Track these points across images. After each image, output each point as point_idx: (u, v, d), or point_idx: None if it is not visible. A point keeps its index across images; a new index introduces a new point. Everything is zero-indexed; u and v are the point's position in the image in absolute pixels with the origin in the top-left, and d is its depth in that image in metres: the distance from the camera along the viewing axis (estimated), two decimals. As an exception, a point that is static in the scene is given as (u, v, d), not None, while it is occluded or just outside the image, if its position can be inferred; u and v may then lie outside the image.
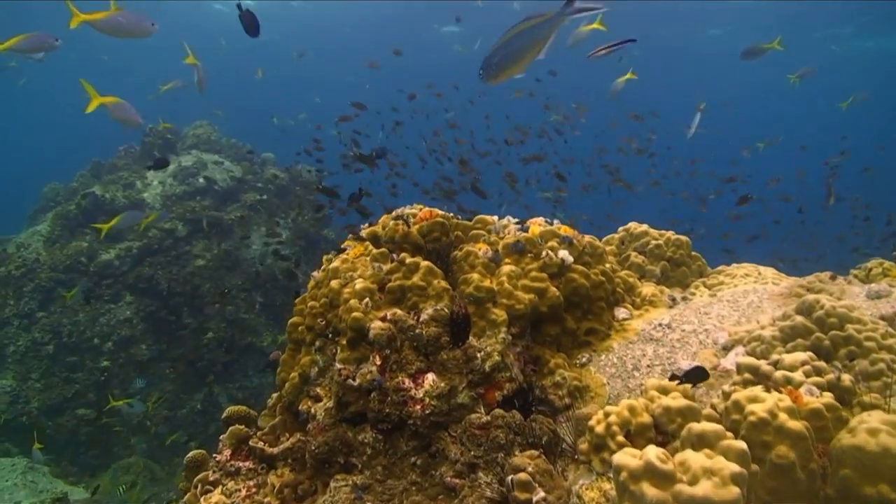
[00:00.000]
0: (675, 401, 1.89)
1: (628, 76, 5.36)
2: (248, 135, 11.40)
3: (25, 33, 3.46)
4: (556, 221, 3.15)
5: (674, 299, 3.26)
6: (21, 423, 6.96)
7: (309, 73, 26.84)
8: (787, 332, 2.26)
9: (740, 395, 1.74)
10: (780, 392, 1.75)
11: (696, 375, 2.07)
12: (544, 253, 2.85)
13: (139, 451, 7.39)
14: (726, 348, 2.48)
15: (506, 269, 2.77)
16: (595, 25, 4.67)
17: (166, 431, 7.58)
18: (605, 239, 3.91)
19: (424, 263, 2.69)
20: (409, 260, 2.71)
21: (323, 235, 9.36)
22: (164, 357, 7.80)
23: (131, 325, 7.69)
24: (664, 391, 1.98)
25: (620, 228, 4.02)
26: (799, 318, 2.25)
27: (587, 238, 3.15)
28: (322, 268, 3.03)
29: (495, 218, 3.20)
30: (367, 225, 3.21)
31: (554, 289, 2.77)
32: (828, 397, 1.77)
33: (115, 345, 7.56)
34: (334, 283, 2.72)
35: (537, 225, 3.07)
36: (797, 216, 8.93)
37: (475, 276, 2.71)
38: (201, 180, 8.78)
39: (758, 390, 1.75)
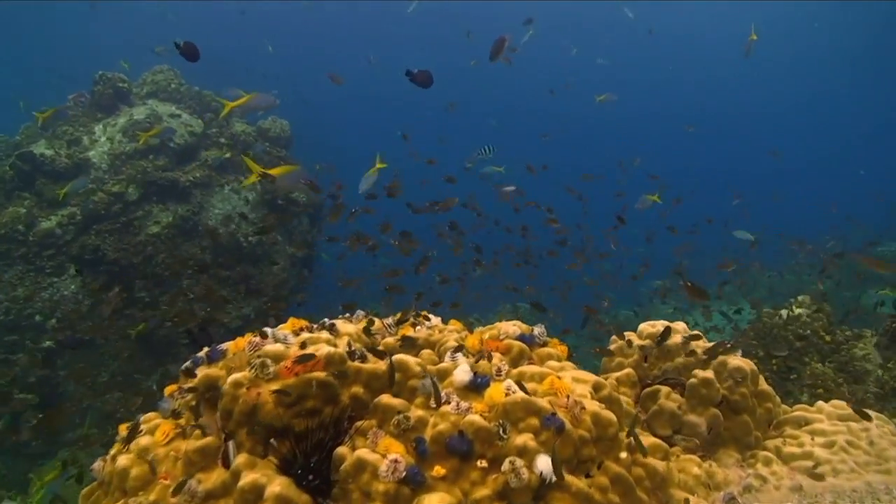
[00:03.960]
0: None
1: (655, 198, 5.35)
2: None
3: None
4: (537, 330, 2.32)
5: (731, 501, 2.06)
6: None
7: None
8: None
9: None
10: None
11: None
12: (508, 464, 1.67)
13: (91, 436, 6.83)
14: None
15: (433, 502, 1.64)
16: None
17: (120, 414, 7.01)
18: (614, 346, 2.79)
19: (274, 491, 1.67)
20: (245, 480, 1.70)
21: (292, 199, 8.55)
22: (114, 335, 7.14)
23: (77, 300, 6.99)
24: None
25: (643, 326, 2.84)
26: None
27: (593, 406, 1.92)
28: (110, 453, 2.09)
29: (421, 360, 2.13)
30: (205, 358, 2.17)
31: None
32: None
33: (59, 322, 6.88)
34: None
35: (499, 342, 2.21)
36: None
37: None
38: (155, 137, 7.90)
39: None
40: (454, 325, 2.59)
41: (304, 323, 2.35)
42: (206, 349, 2.19)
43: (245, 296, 7.89)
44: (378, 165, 5.15)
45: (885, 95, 29.79)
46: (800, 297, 4.54)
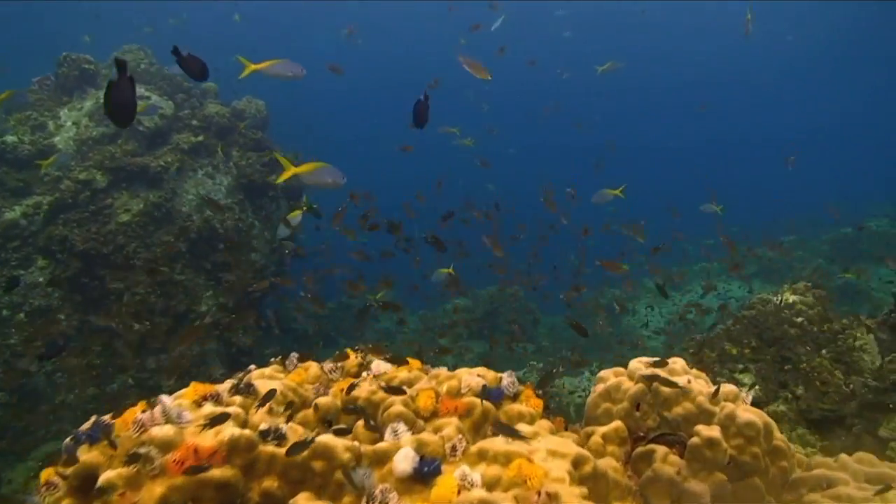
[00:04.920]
0: None
1: (618, 192, 5.12)
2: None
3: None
4: (507, 380, 1.98)
5: None
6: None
7: None
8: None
9: None
10: None
11: None
12: None
13: (63, 433, 6.64)
14: None
15: None
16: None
17: (94, 410, 6.82)
18: (600, 388, 2.40)
19: None
20: None
21: (269, 183, 8.27)
22: (86, 329, 6.91)
23: (46, 293, 6.75)
24: None
25: (635, 365, 2.42)
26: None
27: (572, 500, 1.57)
28: None
29: (355, 437, 1.82)
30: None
31: None
32: None
33: (27, 316, 6.64)
34: None
35: (458, 401, 1.87)
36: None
37: None
38: (122, 121, 7.58)
39: None
40: (408, 368, 2.23)
41: (210, 389, 1.96)
42: (91, 420, 1.77)
43: (222, 285, 7.66)
44: (303, 207, 5.05)
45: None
46: (794, 283, 4.36)
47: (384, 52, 27.66)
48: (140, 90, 8.17)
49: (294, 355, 2.33)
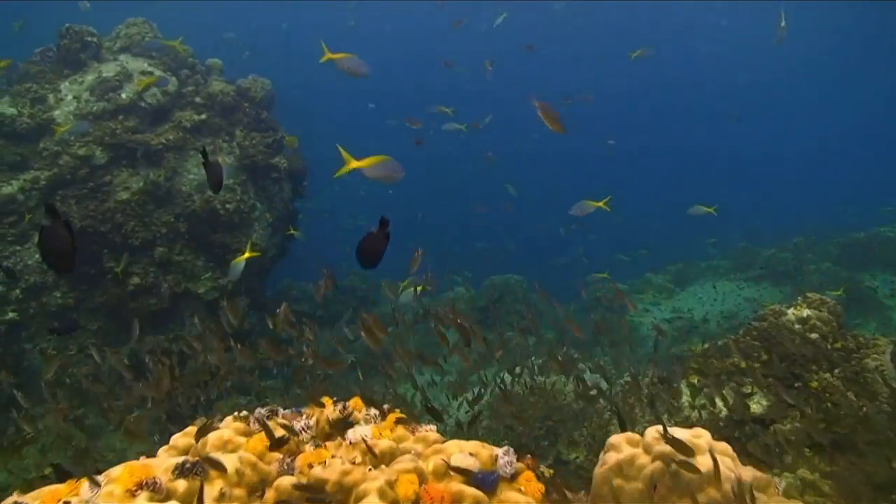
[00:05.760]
0: None
1: (601, 204, 4.96)
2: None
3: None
4: (503, 459, 1.69)
5: None
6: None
7: None
8: None
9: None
10: None
11: None
12: None
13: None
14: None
15: None
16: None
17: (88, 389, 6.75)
18: (609, 463, 2.06)
19: None
20: None
21: (273, 164, 8.11)
22: (81, 306, 6.82)
23: (41, 269, 6.64)
24: None
25: (652, 438, 2.07)
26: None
27: None
28: None
29: None
30: None
31: None
32: None
33: (23, 293, 6.55)
34: None
35: (445, 489, 1.59)
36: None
37: None
38: (124, 95, 7.42)
39: None
40: (391, 425, 1.95)
41: (147, 473, 1.65)
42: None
43: (222, 266, 7.55)
44: (247, 254, 5.18)
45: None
46: (809, 295, 4.20)
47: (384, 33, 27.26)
48: (142, 64, 7.99)
49: (261, 411, 2.01)
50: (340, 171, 3.50)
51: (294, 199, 9.14)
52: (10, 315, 6.43)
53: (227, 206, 7.49)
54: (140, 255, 6.95)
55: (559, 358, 7.85)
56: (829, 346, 3.79)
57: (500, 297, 11.56)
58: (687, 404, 4.46)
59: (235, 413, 2.01)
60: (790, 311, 4.13)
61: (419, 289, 5.06)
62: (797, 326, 3.95)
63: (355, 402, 1.99)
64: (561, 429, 6.79)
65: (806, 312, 4.02)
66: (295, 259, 9.95)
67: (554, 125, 3.41)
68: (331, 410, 1.92)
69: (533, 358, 8.03)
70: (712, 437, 2.11)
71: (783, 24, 5.87)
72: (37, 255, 6.62)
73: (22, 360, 6.54)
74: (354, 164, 3.44)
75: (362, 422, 1.89)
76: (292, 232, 8.14)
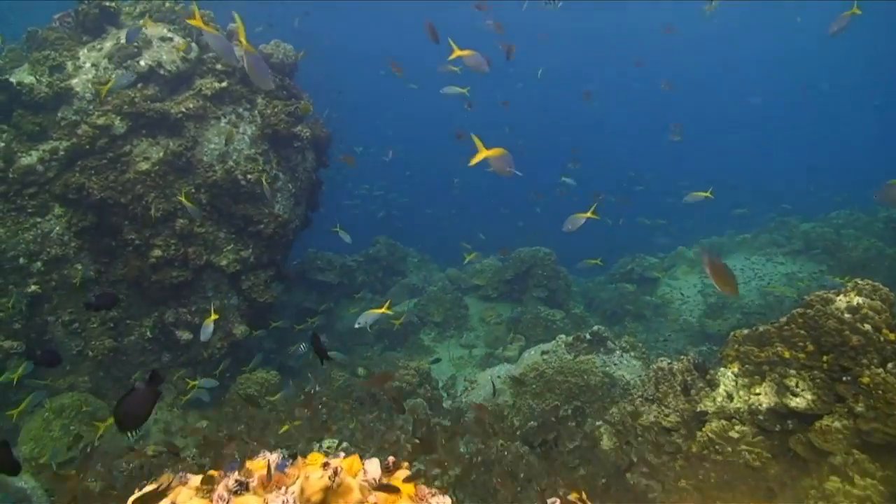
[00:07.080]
0: None
1: (590, 214, 5.11)
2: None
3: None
4: None
5: None
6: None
7: None
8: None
9: None
10: None
11: None
12: None
13: (80, 384, 6.57)
14: None
15: None
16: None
17: (111, 362, 6.72)
18: None
19: None
20: None
21: (295, 133, 7.88)
22: (103, 279, 6.74)
23: (62, 241, 6.56)
24: None
25: None
26: None
27: None
28: None
29: None
30: None
31: None
32: None
33: (45, 265, 6.48)
34: None
35: None
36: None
37: None
38: (143, 63, 7.21)
39: None
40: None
41: None
42: None
43: (245, 237, 7.41)
44: (213, 317, 5.47)
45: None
46: (859, 281, 3.89)
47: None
48: (162, 30, 7.76)
49: (233, 479, 1.49)
50: (474, 159, 3.78)
51: (317, 168, 8.93)
52: (33, 288, 6.38)
53: (249, 176, 7.31)
54: (161, 227, 6.83)
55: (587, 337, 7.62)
56: (881, 338, 3.48)
57: (528, 270, 11.31)
58: (724, 394, 4.20)
59: (202, 475, 1.54)
60: (839, 298, 3.82)
61: (383, 310, 5.02)
62: (847, 316, 3.65)
63: (350, 464, 1.52)
64: (588, 409, 6.59)
65: (857, 300, 3.71)
66: (319, 230, 9.81)
67: (726, 288, 3.22)
68: (317, 476, 1.41)
69: (563, 336, 7.82)
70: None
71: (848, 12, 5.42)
72: (57, 227, 6.53)
73: (44, 333, 6.51)
74: (485, 153, 3.75)
75: (357, 490, 1.41)
76: (337, 230, 8.23)
